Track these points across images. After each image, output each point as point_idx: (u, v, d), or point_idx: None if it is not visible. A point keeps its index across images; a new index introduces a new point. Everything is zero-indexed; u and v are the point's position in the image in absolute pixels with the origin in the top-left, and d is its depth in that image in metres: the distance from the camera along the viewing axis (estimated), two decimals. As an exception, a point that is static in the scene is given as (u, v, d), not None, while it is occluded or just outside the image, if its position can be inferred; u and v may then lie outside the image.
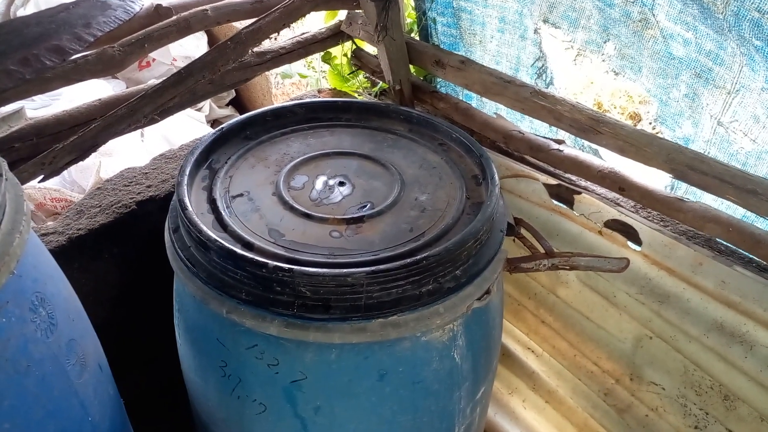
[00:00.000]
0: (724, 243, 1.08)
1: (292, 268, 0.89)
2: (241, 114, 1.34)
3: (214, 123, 2.48)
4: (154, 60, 2.48)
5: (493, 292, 1.05)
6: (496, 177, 1.08)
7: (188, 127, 2.23)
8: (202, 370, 1.09)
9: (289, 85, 2.25)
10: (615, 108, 2.84)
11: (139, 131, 2.20)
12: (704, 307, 1.09)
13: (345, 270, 0.90)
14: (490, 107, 1.44)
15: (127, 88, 2.59)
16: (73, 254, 1.30)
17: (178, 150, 1.54)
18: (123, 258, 1.40)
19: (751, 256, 1.04)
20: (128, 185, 1.43)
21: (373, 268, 0.90)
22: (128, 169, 1.48)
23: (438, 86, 1.53)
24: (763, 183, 0.93)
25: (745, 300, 1.02)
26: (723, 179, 0.96)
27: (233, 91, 2.53)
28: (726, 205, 1.02)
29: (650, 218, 1.17)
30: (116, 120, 1.23)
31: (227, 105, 2.62)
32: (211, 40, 2.55)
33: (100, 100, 1.33)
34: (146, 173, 1.46)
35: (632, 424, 1.36)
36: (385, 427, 1.03)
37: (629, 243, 1.20)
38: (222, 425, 1.12)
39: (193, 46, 2.44)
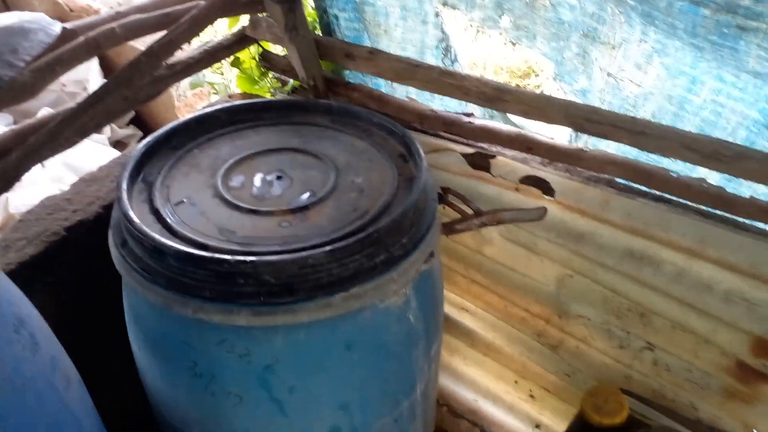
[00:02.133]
0: (624, 182, 1.24)
1: (254, 259, 0.94)
2: (144, 133, 1.35)
3: (117, 144, 2.42)
4: (40, 88, 2.37)
5: (435, 255, 1.15)
6: (422, 151, 1.17)
7: (91, 150, 2.16)
8: (170, 375, 1.11)
9: (192, 96, 2.25)
10: (510, 75, 3.06)
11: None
12: (615, 239, 1.24)
13: (304, 253, 0.96)
14: (400, 92, 1.54)
15: (14, 120, 2.48)
16: (6, 290, 1.26)
17: (97, 172, 1.52)
18: (59, 286, 1.37)
19: (647, 189, 1.21)
20: (52, 213, 1.40)
21: (330, 247, 0.96)
22: (48, 197, 1.44)
23: (347, 78, 1.61)
24: (649, 124, 1.09)
25: (648, 226, 1.19)
26: (616, 125, 1.10)
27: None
28: (621, 148, 1.17)
29: (558, 170, 1.31)
30: (38, 146, 1.21)
31: (128, 124, 2.56)
32: (104, 62, 2.48)
33: (12, 129, 1.30)
34: (69, 199, 1.43)
35: (566, 357, 1.52)
36: (356, 394, 1.10)
37: (543, 195, 1.34)
38: (198, 427, 1.14)
39: (84, 68, 2.37)
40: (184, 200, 1.13)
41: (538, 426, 1.77)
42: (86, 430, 0.83)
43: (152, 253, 1.00)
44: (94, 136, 2.35)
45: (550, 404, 1.70)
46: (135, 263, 1.02)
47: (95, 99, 1.25)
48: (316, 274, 0.96)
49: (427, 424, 1.40)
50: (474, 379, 1.82)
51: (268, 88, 1.67)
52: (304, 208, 1.10)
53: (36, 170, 2.13)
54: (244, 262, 0.94)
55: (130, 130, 2.50)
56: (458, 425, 1.88)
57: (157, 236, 0.99)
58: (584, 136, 1.22)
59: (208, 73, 1.81)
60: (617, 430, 1.32)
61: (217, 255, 0.96)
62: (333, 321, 1.00)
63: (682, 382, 1.35)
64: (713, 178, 1.15)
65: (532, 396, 1.72)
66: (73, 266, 1.37)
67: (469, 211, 1.22)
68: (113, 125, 2.39)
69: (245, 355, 1.01)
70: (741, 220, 1.14)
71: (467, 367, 1.81)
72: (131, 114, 2.51)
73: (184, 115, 1.38)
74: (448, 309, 1.76)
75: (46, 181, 2.01)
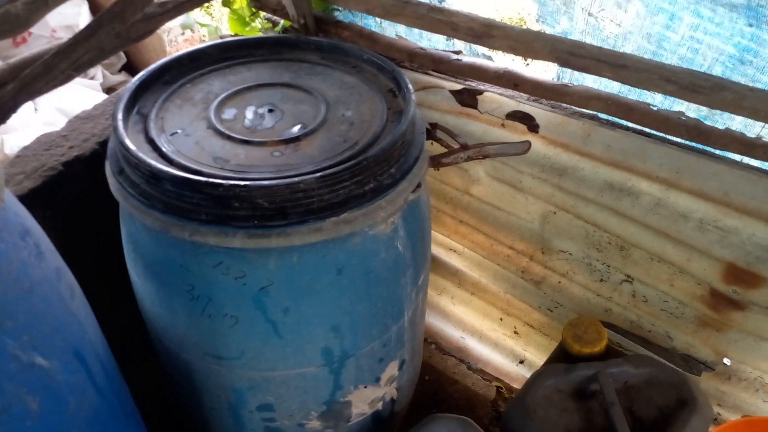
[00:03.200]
0: (606, 117, 1.27)
1: (247, 183, 0.98)
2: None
3: (108, 90, 2.43)
4: (30, 34, 2.37)
5: (422, 186, 1.19)
6: (411, 86, 1.20)
7: (83, 96, 2.17)
8: (168, 299, 1.15)
9: (182, 42, 2.25)
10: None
11: (32, 104, 2.13)
12: (596, 172, 1.29)
13: (296, 178, 1.00)
14: (390, 32, 1.56)
15: (4, 66, 2.47)
16: (5, 224, 1.30)
17: (92, 110, 1.54)
18: (56, 220, 1.41)
19: (627, 123, 1.24)
20: (49, 149, 1.42)
21: (322, 173, 1.00)
22: (44, 134, 1.46)
23: (337, 17, 1.62)
24: (631, 58, 1.12)
25: (627, 157, 1.23)
26: (599, 59, 1.13)
27: (124, 56, 2.48)
28: (604, 84, 1.21)
29: (543, 106, 1.34)
30: (33, 79, 1.23)
31: (119, 71, 2.56)
32: (93, 6, 2.47)
33: (7, 63, 1.31)
34: (65, 135, 1.45)
35: (548, 292, 1.57)
36: (346, 317, 1.15)
37: (528, 131, 1.37)
38: (194, 349, 1.19)
39: (74, 14, 2.35)
40: (179, 131, 1.16)
41: (522, 361, 1.84)
42: (90, 338, 0.87)
43: (149, 179, 1.04)
44: (87, 82, 2.36)
45: (533, 340, 1.77)
46: (132, 189, 1.06)
47: (89, 32, 1.26)
48: (307, 198, 1.00)
49: (415, 353, 1.46)
50: (461, 318, 1.89)
51: (258, 30, 1.68)
52: (295, 139, 1.14)
53: (29, 114, 2.15)
54: (238, 185, 0.98)
55: (122, 77, 2.50)
56: (445, 361, 1.96)
57: (153, 162, 1.02)
58: (568, 76, 1.25)
59: (198, 16, 1.80)
60: (595, 359, 1.39)
61: (211, 179, 0.99)
62: (324, 245, 1.05)
63: (658, 312, 1.41)
64: (690, 115, 1.18)
65: (516, 332, 1.79)
66: (70, 200, 1.41)
67: (456, 146, 1.25)
68: (105, 72, 2.39)
69: (240, 278, 1.06)
70: (717, 152, 1.18)
71: (455, 306, 1.88)
72: (123, 60, 2.51)
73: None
74: (436, 250, 1.81)
75: (39, 124, 2.02)
